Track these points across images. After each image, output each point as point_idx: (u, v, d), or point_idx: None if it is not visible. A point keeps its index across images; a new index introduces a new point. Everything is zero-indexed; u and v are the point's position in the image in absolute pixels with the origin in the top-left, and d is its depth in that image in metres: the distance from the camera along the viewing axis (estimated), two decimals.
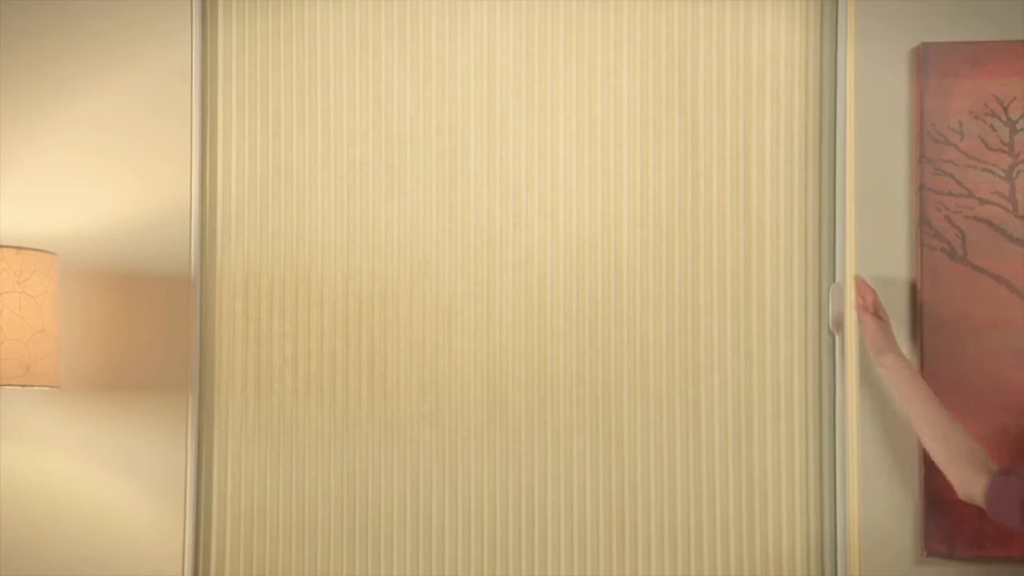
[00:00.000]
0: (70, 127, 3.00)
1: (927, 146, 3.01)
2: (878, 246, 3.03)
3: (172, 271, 2.97)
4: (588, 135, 2.89)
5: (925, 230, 2.99)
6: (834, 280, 2.98)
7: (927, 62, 3.00)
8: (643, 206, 2.90)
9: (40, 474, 2.94)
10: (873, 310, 2.83)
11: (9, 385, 2.64)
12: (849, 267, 2.89)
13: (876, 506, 2.98)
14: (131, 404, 2.95)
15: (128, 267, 2.98)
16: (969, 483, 2.56)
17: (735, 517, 2.85)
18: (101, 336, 2.96)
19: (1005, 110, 3.00)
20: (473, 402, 2.88)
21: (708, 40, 2.88)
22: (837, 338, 2.94)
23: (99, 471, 2.94)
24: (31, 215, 2.98)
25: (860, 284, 2.87)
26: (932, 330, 2.98)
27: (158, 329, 2.97)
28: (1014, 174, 3.00)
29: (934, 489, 2.94)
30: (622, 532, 2.83)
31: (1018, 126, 3.02)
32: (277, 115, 2.97)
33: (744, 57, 2.90)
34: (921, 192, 3.00)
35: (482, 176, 2.92)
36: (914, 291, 3.00)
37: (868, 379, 2.82)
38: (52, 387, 2.75)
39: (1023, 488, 2.37)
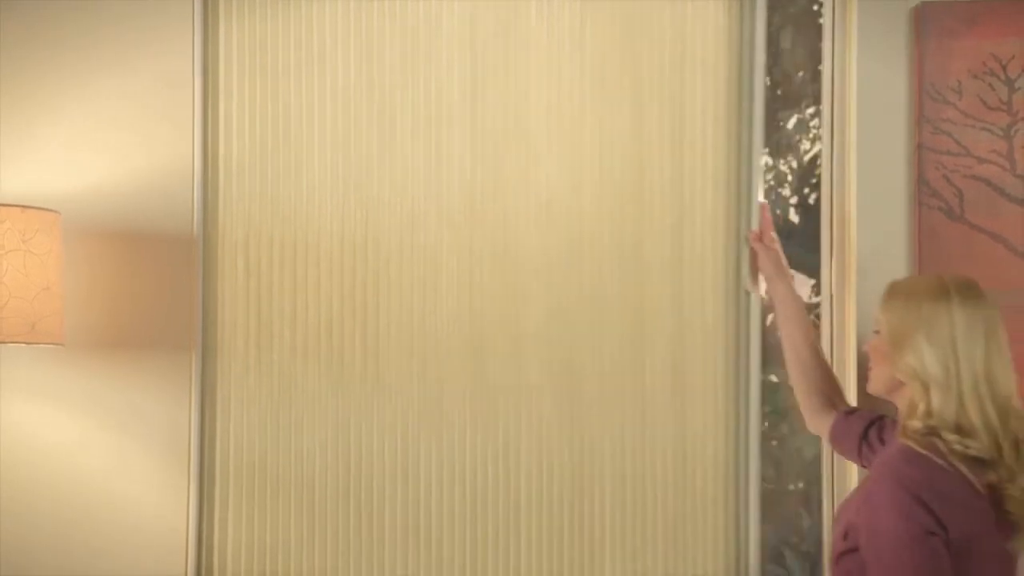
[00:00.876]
0: (73, 89, 3.00)
1: (926, 105, 3.02)
2: (877, 206, 3.04)
3: (175, 230, 2.98)
4: (556, 107, 2.93)
5: (923, 189, 3.00)
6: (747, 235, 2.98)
7: (926, 22, 3.00)
8: (601, 175, 2.92)
9: (44, 431, 2.95)
10: (762, 238, 2.84)
11: (14, 343, 2.65)
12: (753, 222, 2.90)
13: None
14: (135, 362, 2.96)
15: (131, 226, 2.98)
16: (818, 418, 2.63)
17: (672, 465, 2.89)
18: (105, 295, 2.97)
19: (1004, 69, 3.01)
20: (456, 359, 2.92)
21: (650, 16, 2.91)
22: (753, 296, 2.96)
23: (103, 428, 2.96)
24: (35, 174, 2.98)
25: (762, 210, 2.88)
26: None
27: (161, 288, 2.98)
28: (1012, 132, 3.01)
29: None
30: (581, 481, 2.90)
31: (1016, 85, 3.02)
32: (276, 77, 2.98)
33: (680, 32, 2.91)
34: (920, 151, 3.01)
35: (465, 141, 2.94)
36: (912, 250, 3.02)
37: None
38: (57, 345, 2.76)
39: (860, 426, 2.43)
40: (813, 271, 3.32)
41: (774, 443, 3.64)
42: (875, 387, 2.27)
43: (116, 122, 3.00)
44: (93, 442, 2.96)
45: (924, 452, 2.04)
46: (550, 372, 2.88)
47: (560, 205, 2.90)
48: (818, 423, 2.64)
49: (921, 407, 2.08)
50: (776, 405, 3.61)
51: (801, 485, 3.59)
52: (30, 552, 2.92)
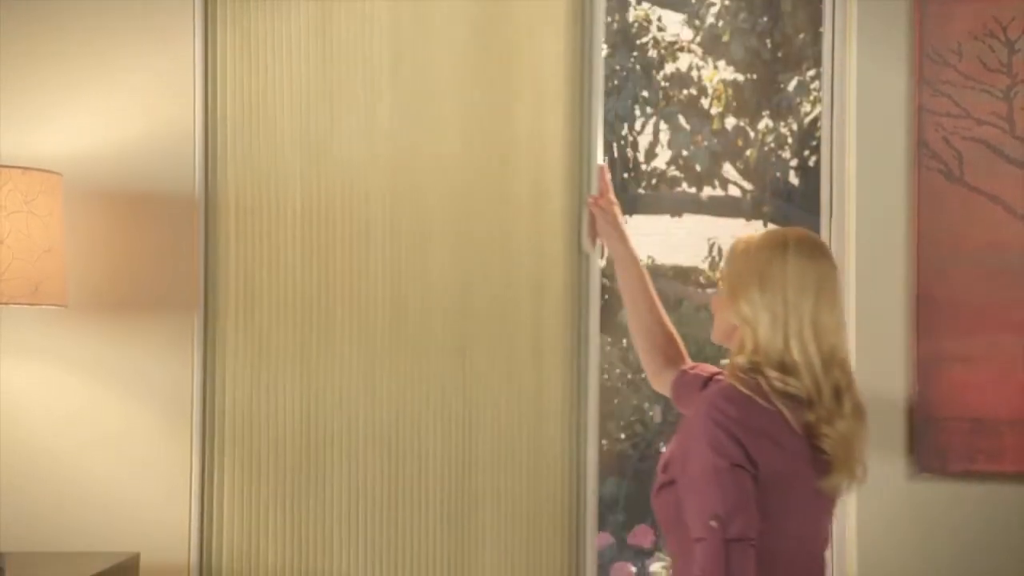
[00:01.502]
0: (75, 50, 2.99)
1: (926, 67, 3.02)
2: (876, 167, 3.05)
3: (176, 192, 2.98)
4: (430, 88, 2.97)
5: (923, 151, 3.01)
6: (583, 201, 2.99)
7: None
8: (463, 145, 2.94)
9: (49, 392, 2.96)
10: (600, 200, 2.86)
11: (18, 304, 2.66)
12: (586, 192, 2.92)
13: (869, 422, 3.02)
14: (137, 323, 2.97)
15: (133, 188, 2.99)
16: (661, 376, 2.65)
17: (528, 416, 2.95)
18: (107, 256, 2.98)
19: (1004, 31, 3.01)
20: (381, 319, 2.95)
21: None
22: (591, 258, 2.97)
23: (106, 389, 2.97)
24: (37, 136, 2.98)
25: (601, 173, 2.89)
26: (928, 251, 3.01)
27: (163, 249, 2.98)
28: (1012, 95, 3.02)
29: (925, 406, 2.99)
30: (451, 431, 2.95)
31: (1016, 47, 3.02)
32: (276, 40, 2.97)
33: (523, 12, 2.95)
34: (919, 113, 3.01)
35: (385, 111, 2.96)
36: (911, 212, 3.03)
37: None
38: (60, 306, 2.77)
39: (699, 381, 2.47)
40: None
41: None
42: (716, 335, 2.33)
43: (117, 84, 3.00)
44: (96, 402, 2.97)
45: (743, 391, 2.10)
46: (431, 325, 2.95)
47: (437, 171, 2.96)
48: (661, 381, 2.67)
49: (748, 345, 2.16)
50: None
51: None
52: (32, 512, 2.94)
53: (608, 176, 2.87)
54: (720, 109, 3.82)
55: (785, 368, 2.11)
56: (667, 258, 3.85)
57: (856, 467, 2.15)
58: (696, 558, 2.03)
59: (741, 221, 3.77)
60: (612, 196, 2.84)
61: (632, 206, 3.86)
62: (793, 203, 3.65)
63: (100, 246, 2.98)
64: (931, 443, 2.99)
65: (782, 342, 2.11)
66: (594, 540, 2.91)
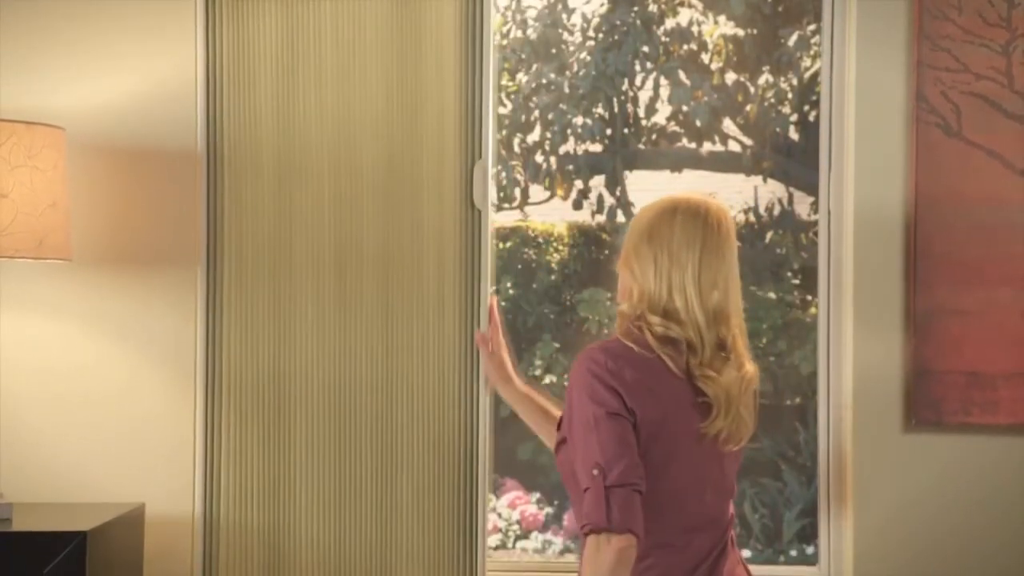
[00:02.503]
0: (77, 5, 2.99)
1: (926, 22, 3.02)
2: (875, 122, 3.06)
3: (178, 146, 2.99)
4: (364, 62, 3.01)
5: (921, 106, 3.02)
6: (479, 157, 3.02)
7: None
8: (386, 111, 2.98)
9: (54, 345, 2.99)
10: (490, 341, 2.90)
11: (23, 258, 2.68)
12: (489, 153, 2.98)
13: (865, 377, 3.05)
14: (141, 277, 2.99)
15: (135, 142, 3.00)
16: None
17: (431, 367, 3.01)
18: (110, 211, 3.00)
19: None
20: (331, 270, 3.00)
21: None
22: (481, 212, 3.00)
23: (111, 342, 3.00)
24: (39, 91, 2.99)
25: (491, 309, 2.96)
26: (926, 205, 3.02)
27: (165, 204, 3.00)
28: (1011, 49, 3.02)
29: (922, 358, 3.02)
30: (377, 385, 3.01)
31: (1016, 1, 3.02)
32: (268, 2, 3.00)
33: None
34: (919, 68, 3.02)
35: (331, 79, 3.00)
36: (909, 166, 3.04)
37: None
38: (64, 260, 2.79)
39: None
40: (812, 188, 3.33)
41: (772, 359, 3.68)
42: (620, 296, 2.35)
43: (119, 39, 3.00)
44: (100, 355, 3.00)
45: (621, 340, 2.15)
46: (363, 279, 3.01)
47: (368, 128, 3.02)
48: None
49: (635, 295, 2.21)
50: (774, 321, 3.65)
51: (798, 400, 3.63)
52: (39, 464, 2.97)
53: (496, 315, 2.93)
54: (720, 64, 3.81)
55: (668, 315, 2.15)
56: None
57: (742, 423, 2.19)
58: (583, 507, 2.06)
59: (741, 176, 3.77)
60: (500, 337, 2.88)
61: (632, 162, 3.87)
62: (793, 158, 3.65)
63: (103, 201, 2.99)
64: (927, 396, 3.02)
65: (666, 293, 2.16)
66: (486, 479, 3.00)
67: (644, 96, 3.91)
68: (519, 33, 3.91)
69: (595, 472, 2.03)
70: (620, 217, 3.86)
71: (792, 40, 3.68)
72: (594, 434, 2.06)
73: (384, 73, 3.00)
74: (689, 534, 2.16)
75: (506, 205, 3.90)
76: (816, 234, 3.19)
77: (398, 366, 3.00)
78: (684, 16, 3.82)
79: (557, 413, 2.65)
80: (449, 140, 3.01)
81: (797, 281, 3.68)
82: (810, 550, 3.34)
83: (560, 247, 4.05)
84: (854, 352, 3.05)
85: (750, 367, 2.22)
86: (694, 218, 2.20)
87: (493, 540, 3.63)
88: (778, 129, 3.70)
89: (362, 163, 3.00)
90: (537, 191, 3.91)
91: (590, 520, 2.02)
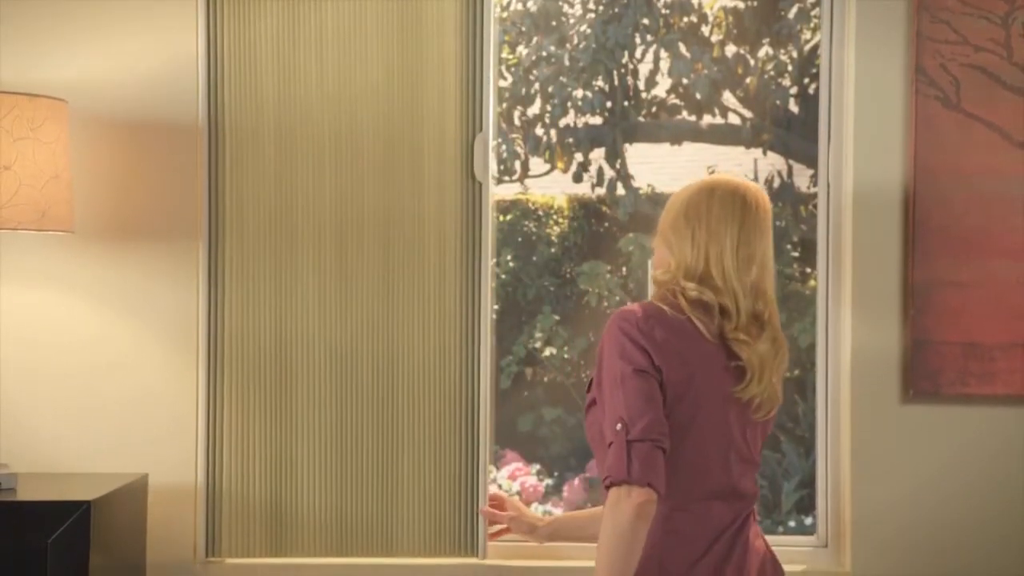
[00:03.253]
0: None
1: None
2: (875, 94, 3.06)
3: (180, 119, 3.00)
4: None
5: (920, 78, 3.02)
6: (480, 130, 3.03)
7: None
8: (387, 84, 2.99)
9: (56, 317, 2.99)
10: (504, 519, 2.92)
11: (25, 230, 2.69)
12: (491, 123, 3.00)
13: (863, 349, 3.07)
14: (143, 249, 3.00)
15: (137, 115, 3.00)
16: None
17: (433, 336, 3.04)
18: (112, 183, 3.00)
19: None
20: (332, 243, 3.02)
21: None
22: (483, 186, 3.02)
23: (114, 314, 3.00)
24: (41, 64, 2.98)
25: (493, 505, 2.98)
26: (925, 178, 3.03)
27: (167, 176, 3.00)
28: (1010, 21, 3.02)
29: (920, 329, 3.03)
30: (378, 352, 3.03)
31: None
32: None
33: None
34: (918, 40, 3.02)
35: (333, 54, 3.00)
36: (908, 138, 3.05)
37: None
38: (67, 232, 2.80)
39: None
40: (812, 161, 3.34)
41: None
42: (654, 273, 2.37)
43: (121, 12, 2.99)
44: (103, 327, 3.00)
45: (655, 303, 2.18)
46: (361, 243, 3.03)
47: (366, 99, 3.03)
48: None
49: (672, 264, 2.24)
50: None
51: (797, 372, 3.65)
52: (43, 435, 2.98)
53: (506, 503, 2.97)
54: (720, 37, 3.81)
55: (703, 281, 2.18)
56: (666, 186, 3.86)
57: (773, 392, 2.21)
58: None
59: (740, 149, 3.78)
60: (513, 507, 2.92)
61: (632, 134, 3.88)
62: (793, 131, 3.66)
63: (105, 173, 3.00)
64: (925, 367, 3.03)
65: (703, 263, 2.19)
66: (487, 450, 3.02)
67: (644, 69, 3.92)
68: (519, 6, 3.91)
69: (618, 427, 2.06)
70: (620, 190, 3.87)
71: (792, 13, 3.68)
72: (620, 390, 2.08)
73: (385, 46, 3.01)
74: (711, 501, 2.18)
75: (506, 178, 3.91)
76: (815, 206, 3.19)
77: (399, 338, 3.02)
78: None
79: (584, 514, 2.75)
80: (450, 113, 3.02)
81: (796, 254, 3.68)
82: (808, 521, 3.36)
83: (560, 220, 4.06)
84: (852, 324, 3.06)
85: (782, 339, 2.24)
86: (732, 196, 2.23)
87: None
88: (778, 102, 3.71)
89: (362, 135, 3.01)
90: (537, 164, 3.92)
91: (611, 472, 2.04)
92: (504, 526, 2.93)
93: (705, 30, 3.80)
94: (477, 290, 3.02)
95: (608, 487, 2.05)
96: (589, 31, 3.83)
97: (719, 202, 2.22)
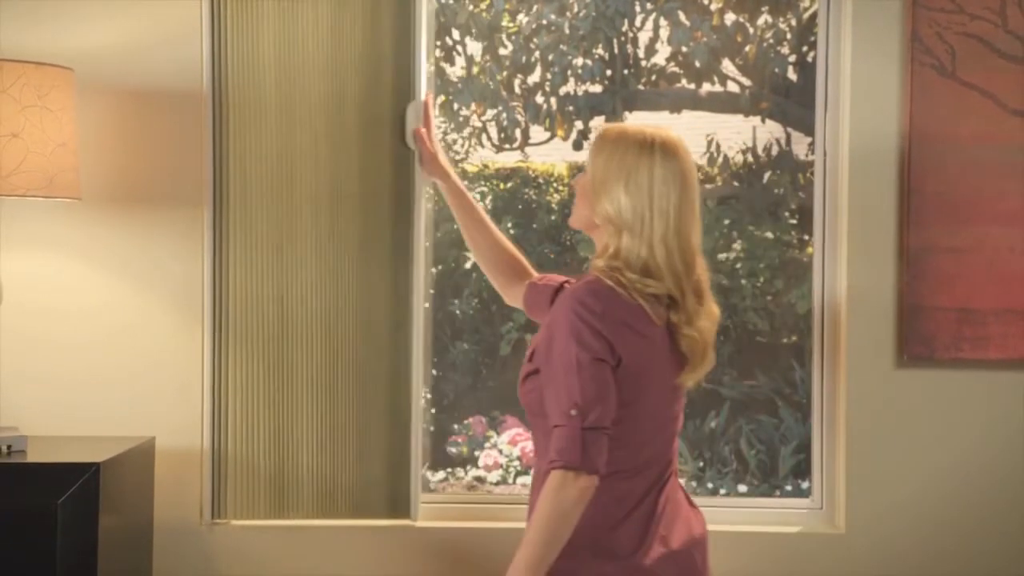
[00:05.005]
0: None
1: None
2: (871, 62, 3.07)
3: (185, 87, 3.02)
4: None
5: (916, 46, 3.04)
6: (412, 99, 3.05)
7: None
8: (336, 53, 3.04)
9: (65, 283, 3.03)
10: (426, 136, 2.94)
11: (33, 196, 2.72)
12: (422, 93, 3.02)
13: (859, 314, 3.09)
14: (149, 216, 3.03)
15: (142, 83, 3.02)
16: (511, 291, 2.73)
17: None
18: (119, 151, 3.02)
19: None
20: (308, 212, 3.06)
21: None
22: (414, 151, 3.04)
23: (121, 280, 3.04)
24: (47, 32, 3.00)
25: (425, 105, 2.98)
26: (920, 145, 3.05)
27: (173, 144, 3.03)
28: None
29: (914, 295, 3.05)
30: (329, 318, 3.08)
31: None
32: None
33: None
34: (914, 9, 3.03)
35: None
36: (904, 106, 3.06)
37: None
38: (74, 199, 2.83)
39: (550, 290, 2.50)
40: (810, 129, 3.35)
41: (769, 298, 3.71)
42: (575, 222, 2.34)
43: None
44: (111, 293, 3.04)
45: (608, 283, 2.14)
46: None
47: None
48: (512, 295, 2.73)
49: (611, 249, 2.18)
50: (771, 261, 3.69)
51: (794, 338, 3.67)
52: (53, 400, 3.02)
53: (431, 112, 2.98)
54: (720, 5, 3.81)
55: (648, 272, 2.14)
56: None
57: (708, 365, 2.22)
58: (552, 443, 2.09)
59: (739, 117, 3.79)
60: (433, 133, 2.94)
61: (631, 102, 3.88)
62: (791, 99, 3.67)
63: (112, 141, 3.02)
64: (919, 332, 3.06)
65: (646, 249, 2.14)
66: (419, 408, 3.07)
67: (644, 37, 3.92)
68: None
69: (573, 412, 2.06)
70: None
71: None
72: (576, 376, 2.07)
73: (335, 17, 3.05)
74: (645, 466, 2.21)
75: (507, 146, 3.92)
76: (813, 174, 3.22)
77: (344, 304, 3.07)
78: None
79: (483, 213, 2.77)
80: (386, 81, 3.05)
81: (794, 221, 3.70)
82: (805, 484, 3.39)
83: (560, 187, 4.07)
84: (848, 289, 3.09)
85: (715, 308, 2.23)
86: (672, 158, 2.16)
87: (494, 476, 3.68)
88: (776, 70, 3.72)
89: (326, 104, 3.05)
90: (537, 132, 3.92)
91: (563, 457, 2.05)
92: (427, 144, 2.93)
93: None
94: (409, 252, 3.06)
95: (555, 469, 2.07)
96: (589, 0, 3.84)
97: (660, 168, 2.15)
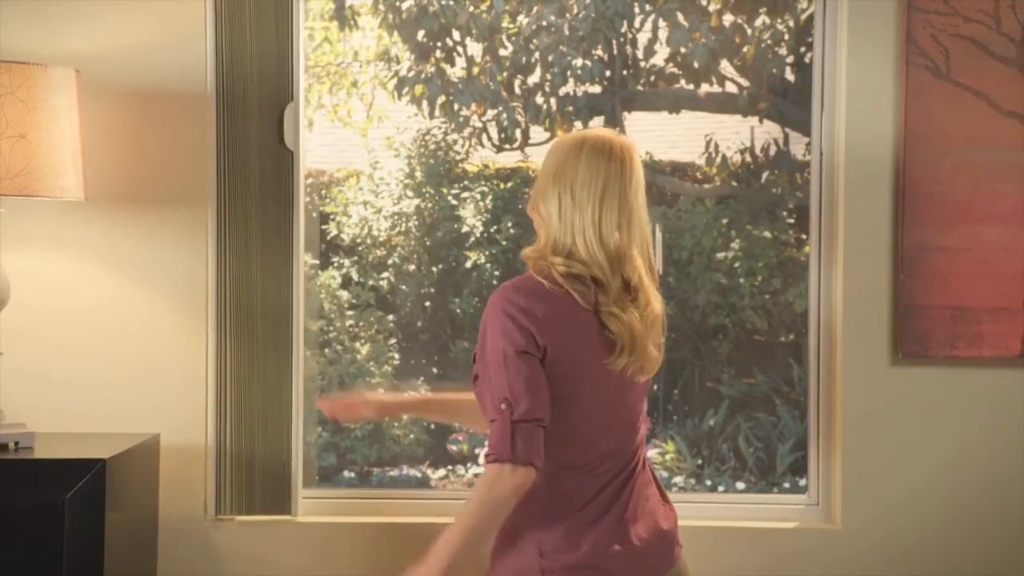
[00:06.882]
0: None
1: None
2: (866, 63, 3.09)
3: (189, 88, 3.04)
4: None
5: (911, 48, 3.05)
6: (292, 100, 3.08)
7: None
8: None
9: (70, 283, 3.05)
10: None
11: (40, 197, 2.74)
12: None
13: (854, 312, 3.11)
14: (154, 216, 3.05)
15: (147, 84, 3.04)
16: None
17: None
18: (124, 152, 3.04)
19: None
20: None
21: None
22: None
23: (126, 279, 3.06)
24: (53, 34, 3.02)
25: None
26: (915, 145, 3.07)
27: (177, 144, 3.05)
28: None
29: (909, 294, 3.07)
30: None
31: None
32: None
33: None
34: (909, 11, 3.05)
35: None
36: (898, 107, 3.08)
37: None
38: (79, 200, 2.84)
39: None
40: (807, 129, 3.37)
41: (767, 297, 3.73)
42: (524, 251, 2.34)
43: None
44: (116, 292, 3.06)
45: (533, 277, 2.18)
46: None
47: None
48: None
49: (542, 238, 2.24)
50: (769, 260, 3.70)
51: (792, 337, 3.69)
52: (60, 397, 3.04)
53: None
54: (718, 6, 3.83)
55: (570, 256, 2.18)
56: (664, 154, 3.89)
57: (651, 358, 2.22)
58: (488, 437, 2.11)
59: (737, 117, 3.80)
60: None
61: (630, 103, 3.90)
62: (789, 99, 3.69)
63: (117, 142, 3.04)
64: (914, 330, 3.07)
65: (570, 238, 2.18)
66: (300, 405, 3.08)
67: (643, 38, 3.93)
68: None
69: (503, 407, 2.09)
70: None
71: None
72: (503, 370, 2.10)
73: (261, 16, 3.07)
74: (599, 459, 2.21)
75: (507, 146, 3.94)
76: (810, 174, 3.23)
77: (255, 296, 3.09)
78: None
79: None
80: (268, 83, 3.07)
81: (792, 221, 3.71)
82: (803, 482, 3.41)
83: None
84: (844, 288, 3.11)
85: (656, 304, 2.24)
86: (598, 156, 2.20)
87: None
88: (774, 70, 3.73)
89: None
90: (537, 132, 3.94)
91: (495, 451, 2.08)
92: None
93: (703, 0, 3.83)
94: (290, 246, 3.08)
95: (489, 462, 2.09)
96: (588, 1, 3.86)
97: (584, 165, 2.20)
